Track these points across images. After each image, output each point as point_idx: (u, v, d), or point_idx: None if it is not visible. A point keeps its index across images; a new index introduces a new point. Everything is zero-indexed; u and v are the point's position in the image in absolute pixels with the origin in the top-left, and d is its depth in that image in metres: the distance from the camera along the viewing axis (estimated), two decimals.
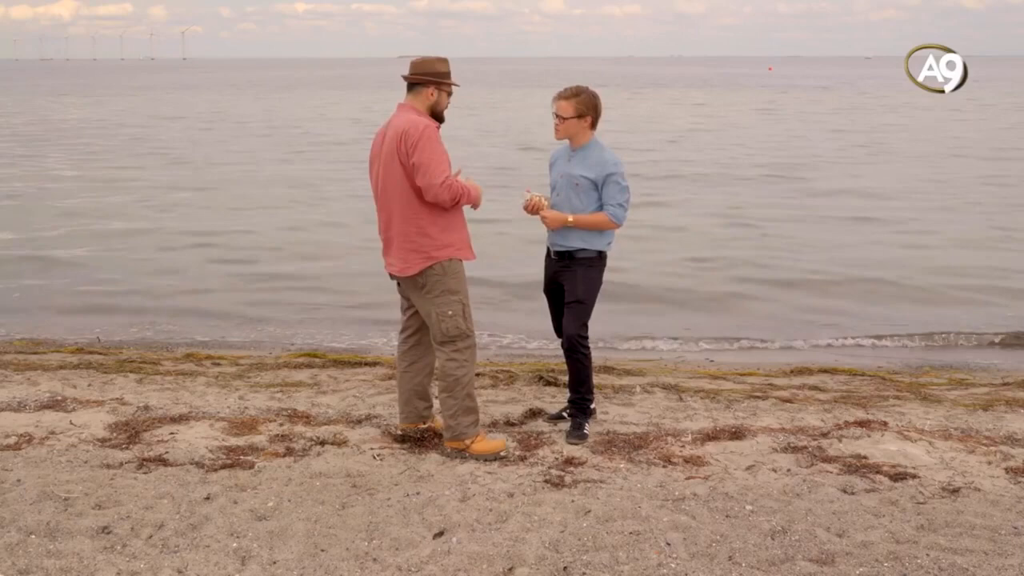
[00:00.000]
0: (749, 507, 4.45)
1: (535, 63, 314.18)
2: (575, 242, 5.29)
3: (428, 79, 4.96)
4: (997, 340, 9.17)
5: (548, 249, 5.48)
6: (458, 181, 4.90)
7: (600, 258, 5.36)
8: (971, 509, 4.46)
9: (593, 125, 5.28)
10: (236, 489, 4.62)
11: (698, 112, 46.85)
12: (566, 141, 5.37)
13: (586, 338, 5.37)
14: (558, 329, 5.57)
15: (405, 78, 5.02)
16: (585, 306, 5.34)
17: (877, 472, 4.87)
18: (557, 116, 5.25)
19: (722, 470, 4.91)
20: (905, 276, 11.66)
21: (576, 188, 5.23)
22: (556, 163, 5.45)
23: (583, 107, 5.22)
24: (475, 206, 5.10)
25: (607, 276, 5.50)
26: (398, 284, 5.21)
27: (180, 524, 4.25)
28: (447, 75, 5.02)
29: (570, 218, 5.21)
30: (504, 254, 12.57)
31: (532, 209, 5.32)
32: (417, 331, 5.25)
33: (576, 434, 5.38)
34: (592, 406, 5.58)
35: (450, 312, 4.98)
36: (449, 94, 5.04)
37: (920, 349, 8.97)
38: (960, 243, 13.88)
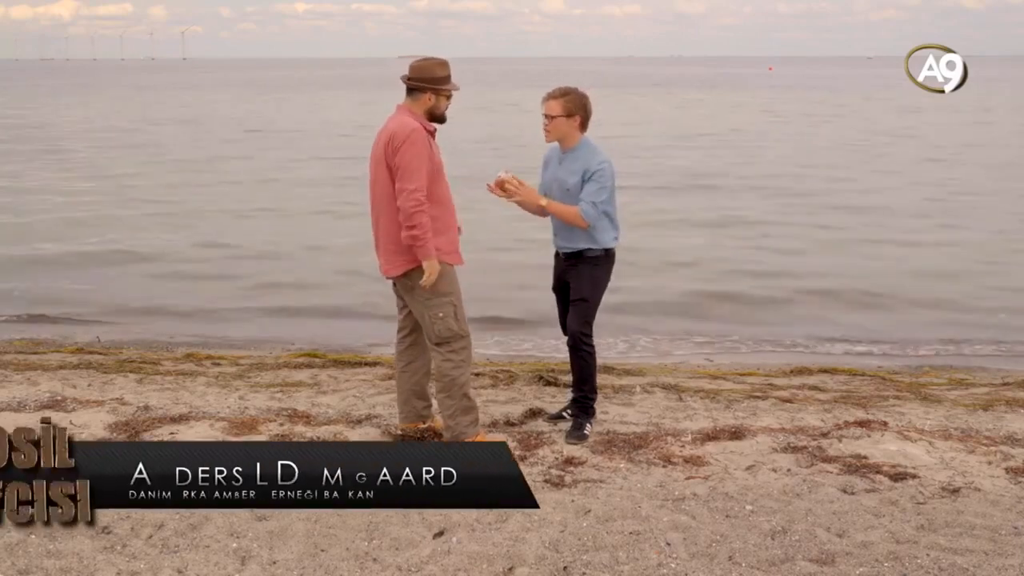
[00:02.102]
0: (749, 507, 4.45)
1: (535, 63, 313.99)
2: (581, 243, 5.28)
3: (425, 86, 4.95)
4: (997, 340, 9.18)
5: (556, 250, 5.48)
6: (425, 213, 4.78)
7: (607, 256, 5.34)
8: (971, 509, 4.46)
9: (583, 126, 5.25)
10: None
11: (698, 113, 46.84)
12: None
13: (590, 336, 5.36)
14: (565, 327, 5.57)
15: (403, 81, 5.02)
16: (589, 304, 5.33)
17: (877, 472, 4.87)
18: (546, 116, 5.24)
19: (722, 470, 4.91)
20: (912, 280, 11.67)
21: (567, 194, 5.22)
22: (549, 165, 5.43)
23: (571, 106, 5.19)
24: (424, 256, 4.86)
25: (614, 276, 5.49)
26: (393, 284, 5.22)
27: (180, 524, 4.24)
28: (446, 79, 5.00)
29: (543, 201, 5.18)
30: (504, 252, 12.58)
31: (500, 188, 5.19)
32: (413, 331, 5.26)
33: (576, 434, 5.37)
34: (593, 405, 5.57)
35: (441, 314, 4.99)
36: (448, 97, 5.04)
37: (920, 349, 8.98)
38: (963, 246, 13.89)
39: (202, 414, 5.82)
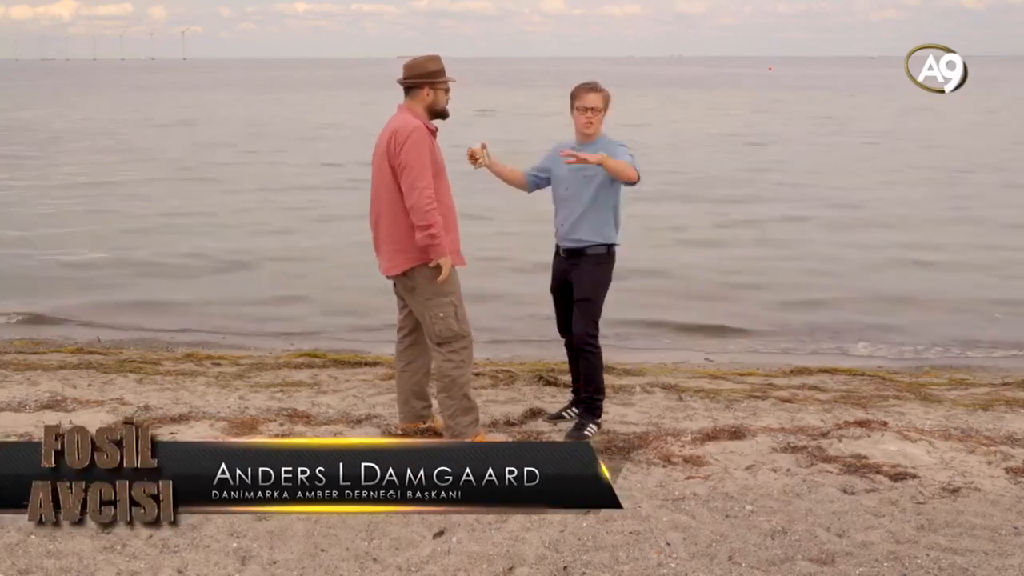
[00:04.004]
0: (749, 507, 4.46)
1: (535, 63, 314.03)
2: (587, 235, 5.27)
3: (421, 81, 4.97)
4: (997, 340, 9.18)
5: (557, 247, 5.48)
6: (437, 211, 4.83)
7: (609, 253, 5.35)
8: (971, 509, 4.46)
9: None
10: None
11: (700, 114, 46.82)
12: (569, 137, 5.39)
13: (596, 336, 5.36)
14: (563, 328, 5.56)
15: (400, 82, 5.04)
16: (593, 304, 5.33)
17: (877, 472, 4.87)
18: (590, 110, 5.24)
19: (722, 470, 4.91)
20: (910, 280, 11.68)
21: (586, 179, 5.22)
22: (558, 160, 5.39)
23: (606, 101, 5.31)
24: (439, 254, 4.92)
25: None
26: (393, 284, 5.22)
27: (180, 524, 4.24)
28: (440, 72, 5.02)
29: (600, 156, 5.05)
30: (505, 252, 12.57)
31: (474, 158, 5.28)
32: (413, 331, 5.26)
33: (577, 434, 5.37)
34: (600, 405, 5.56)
35: (441, 314, 4.99)
36: (446, 91, 5.05)
37: (920, 349, 8.97)
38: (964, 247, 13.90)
39: (202, 414, 5.82)
